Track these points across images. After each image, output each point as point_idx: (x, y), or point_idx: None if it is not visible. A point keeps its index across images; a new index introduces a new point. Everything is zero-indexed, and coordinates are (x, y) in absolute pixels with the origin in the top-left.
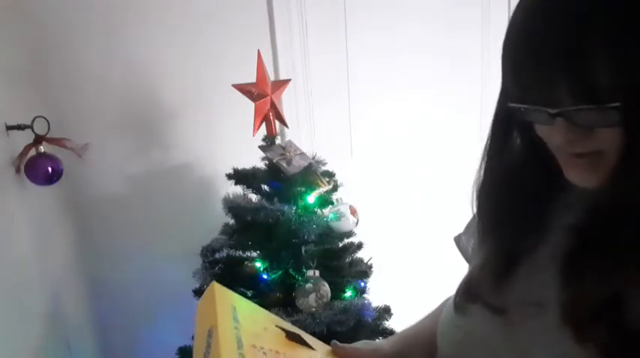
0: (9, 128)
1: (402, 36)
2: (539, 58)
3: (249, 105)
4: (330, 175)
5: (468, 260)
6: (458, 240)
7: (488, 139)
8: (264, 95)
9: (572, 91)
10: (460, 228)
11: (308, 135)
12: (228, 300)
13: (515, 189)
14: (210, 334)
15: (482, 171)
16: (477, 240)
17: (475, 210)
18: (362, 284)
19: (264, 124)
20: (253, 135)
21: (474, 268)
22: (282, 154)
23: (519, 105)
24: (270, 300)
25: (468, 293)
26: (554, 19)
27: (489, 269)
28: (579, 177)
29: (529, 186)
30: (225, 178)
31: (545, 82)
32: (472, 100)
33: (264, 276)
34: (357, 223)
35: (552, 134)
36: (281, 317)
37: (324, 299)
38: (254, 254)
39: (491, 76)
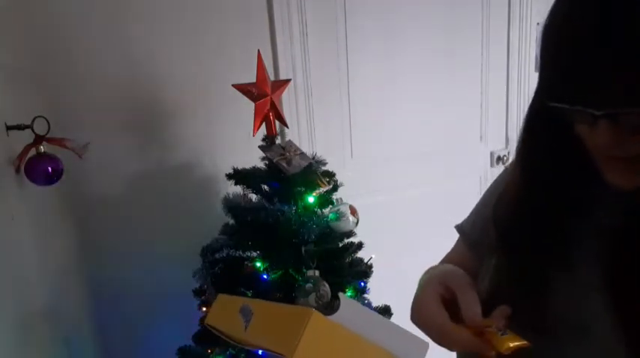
0: (9, 128)
1: (403, 36)
2: (587, 57)
3: (249, 105)
4: (330, 175)
5: (472, 244)
6: (461, 228)
7: (519, 137)
8: (264, 95)
9: (619, 93)
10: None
11: (308, 135)
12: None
13: (546, 189)
14: (247, 309)
15: (508, 171)
16: (489, 243)
17: (496, 212)
18: (362, 284)
19: (264, 124)
20: (253, 135)
21: (495, 277)
22: (282, 154)
23: (561, 105)
24: (270, 300)
25: (494, 307)
26: (608, 17)
27: (520, 281)
28: (618, 178)
29: (559, 186)
30: (225, 178)
31: (592, 82)
32: (473, 100)
33: (264, 276)
34: (357, 223)
35: (594, 135)
36: None
37: (324, 299)
38: (254, 254)
39: (491, 76)
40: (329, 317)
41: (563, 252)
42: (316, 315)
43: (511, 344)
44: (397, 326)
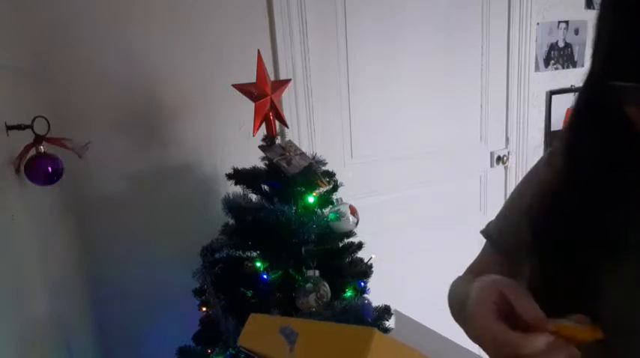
0: (9, 128)
1: (403, 36)
2: None
3: (249, 105)
4: (330, 175)
5: (502, 250)
6: (488, 233)
7: (566, 126)
8: (264, 95)
9: None
10: (462, 228)
11: (308, 135)
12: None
13: (591, 180)
14: (288, 329)
15: (536, 172)
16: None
17: (531, 211)
18: (362, 284)
19: (264, 124)
20: (253, 135)
21: (533, 283)
22: (282, 154)
23: (623, 84)
24: (270, 300)
25: None
26: None
27: (561, 285)
28: None
29: (606, 184)
30: (225, 178)
31: None
32: (473, 100)
33: (264, 276)
34: (357, 223)
35: None
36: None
37: (324, 299)
38: (254, 254)
39: (491, 76)
40: (388, 334)
41: (609, 250)
42: (378, 334)
43: (590, 332)
44: (450, 341)
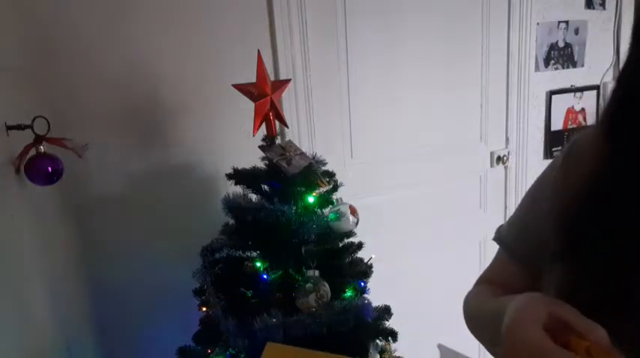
0: (9, 128)
1: (403, 36)
2: None
3: (249, 105)
4: (330, 175)
5: (519, 257)
6: (501, 240)
7: (600, 128)
8: (264, 95)
9: None
10: (462, 228)
11: (308, 135)
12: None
13: (631, 181)
14: None
15: (552, 174)
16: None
17: (561, 213)
18: (362, 284)
19: (264, 124)
20: (253, 135)
21: (564, 290)
22: (282, 154)
23: None
24: (270, 300)
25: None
26: None
27: (597, 292)
28: None
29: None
30: (225, 178)
31: None
32: (473, 100)
33: (264, 276)
34: (357, 223)
35: None
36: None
37: (324, 299)
38: (254, 254)
39: (491, 76)
40: None
41: None
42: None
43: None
44: None
